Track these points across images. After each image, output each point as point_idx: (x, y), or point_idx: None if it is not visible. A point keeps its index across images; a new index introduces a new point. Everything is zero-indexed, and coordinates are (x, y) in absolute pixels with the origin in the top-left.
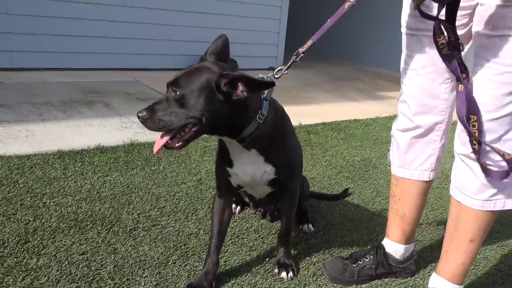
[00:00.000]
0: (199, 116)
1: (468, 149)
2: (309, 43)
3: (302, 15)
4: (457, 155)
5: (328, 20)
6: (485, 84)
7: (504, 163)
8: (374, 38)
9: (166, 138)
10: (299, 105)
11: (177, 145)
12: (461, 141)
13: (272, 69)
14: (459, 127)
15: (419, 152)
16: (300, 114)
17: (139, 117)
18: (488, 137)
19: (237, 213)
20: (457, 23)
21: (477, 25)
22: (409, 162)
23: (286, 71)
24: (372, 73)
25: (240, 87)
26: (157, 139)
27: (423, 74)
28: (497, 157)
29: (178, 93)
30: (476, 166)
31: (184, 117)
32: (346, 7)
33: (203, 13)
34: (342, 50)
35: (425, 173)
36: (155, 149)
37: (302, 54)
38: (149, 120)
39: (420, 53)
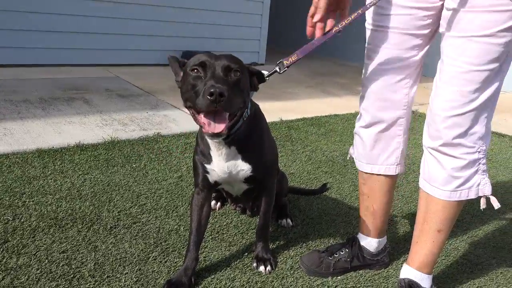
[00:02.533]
0: (247, 103)
1: (436, 143)
2: (294, 57)
3: (284, 10)
4: (426, 148)
5: (315, 41)
6: (452, 82)
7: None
8: (354, 34)
9: (225, 120)
10: (281, 100)
11: (226, 130)
12: (429, 135)
13: (254, 64)
14: (427, 120)
15: (385, 146)
16: (281, 110)
17: (217, 94)
18: (455, 131)
19: (217, 209)
20: (422, 23)
21: (446, 27)
22: (375, 157)
23: (267, 78)
24: (353, 68)
25: (256, 80)
26: (211, 122)
27: (387, 69)
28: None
29: (237, 74)
30: (444, 159)
31: (243, 100)
32: (333, 31)
33: (184, 8)
34: (324, 46)
35: (391, 167)
36: (220, 127)
37: (286, 68)
38: (226, 101)
39: (385, 48)
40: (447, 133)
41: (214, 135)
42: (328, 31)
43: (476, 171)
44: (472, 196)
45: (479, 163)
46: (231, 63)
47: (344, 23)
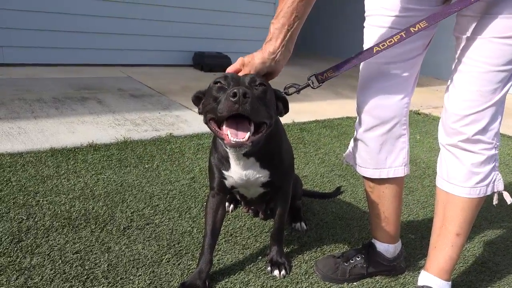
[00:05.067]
0: (273, 119)
1: (454, 139)
2: (329, 73)
3: None
4: (443, 146)
5: (354, 59)
6: (472, 82)
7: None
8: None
9: (249, 129)
10: (293, 102)
11: (250, 142)
12: (446, 132)
13: None
14: (443, 120)
15: (391, 148)
16: (293, 112)
17: (241, 94)
18: (475, 128)
19: (230, 211)
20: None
21: (464, 31)
22: (382, 161)
23: (298, 92)
24: None
25: (281, 106)
26: (233, 130)
27: (390, 68)
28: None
29: (263, 87)
30: (463, 154)
31: (268, 115)
32: (374, 51)
33: (196, 9)
34: (335, 46)
35: (399, 169)
36: (243, 135)
37: (320, 84)
38: (250, 104)
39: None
40: (466, 129)
41: (237, 145)
42: (370, 48)
43: (493, 168)
44: (489, 192)
45: (495, 159)
46: (256, 76)
47: (386, 44)
